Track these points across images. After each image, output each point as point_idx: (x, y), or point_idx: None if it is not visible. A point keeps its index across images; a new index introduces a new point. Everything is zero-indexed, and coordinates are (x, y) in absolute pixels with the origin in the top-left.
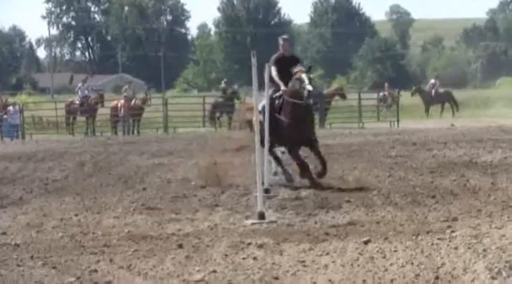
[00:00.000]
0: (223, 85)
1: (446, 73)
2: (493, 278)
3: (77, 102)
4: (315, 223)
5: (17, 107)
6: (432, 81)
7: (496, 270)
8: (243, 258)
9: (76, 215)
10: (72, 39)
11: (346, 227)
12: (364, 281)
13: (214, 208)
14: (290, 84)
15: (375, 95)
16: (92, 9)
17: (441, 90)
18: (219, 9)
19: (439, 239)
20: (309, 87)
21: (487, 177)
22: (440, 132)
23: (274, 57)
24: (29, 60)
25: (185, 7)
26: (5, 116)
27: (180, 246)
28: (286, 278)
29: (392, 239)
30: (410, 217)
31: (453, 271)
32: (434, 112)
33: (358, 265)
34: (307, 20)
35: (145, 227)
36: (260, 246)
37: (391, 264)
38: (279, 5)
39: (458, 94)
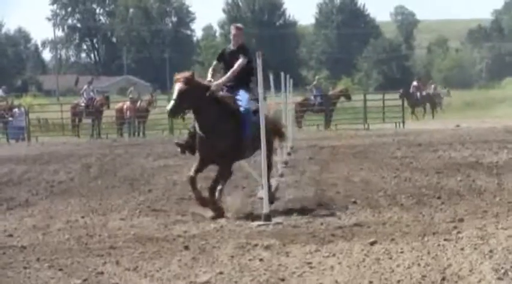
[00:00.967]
0: None
1: (451, 74)
2: (499, 279)
3: (83, 104)
4: (321, 224)
5: (22, 109)
6: (415, 83)
7: (502, 271)
8: (250, 260)
9: (82, 217)
10: (77, 41)
11: (352, 229)
12: (370, 282)
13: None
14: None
15: (379, 96)
16: (97, 11)
17: (424, 93)
18: (224, 10)
19: (445, 240)
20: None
21: (492, 178)
22: (446, 132)
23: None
24: (35, 62)
25: (190, 9)
26: (10, 118)
27: (186, 248)
28: (292, 279)
29: (398, 240)
30: (417, 218)
31: (459, 272)
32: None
33: (365, 266)
34: (312, 21)
35: (151, 229)
36: (266, 248)
37: (398, 265)
38: (284, 6)
39: (463, 95)
